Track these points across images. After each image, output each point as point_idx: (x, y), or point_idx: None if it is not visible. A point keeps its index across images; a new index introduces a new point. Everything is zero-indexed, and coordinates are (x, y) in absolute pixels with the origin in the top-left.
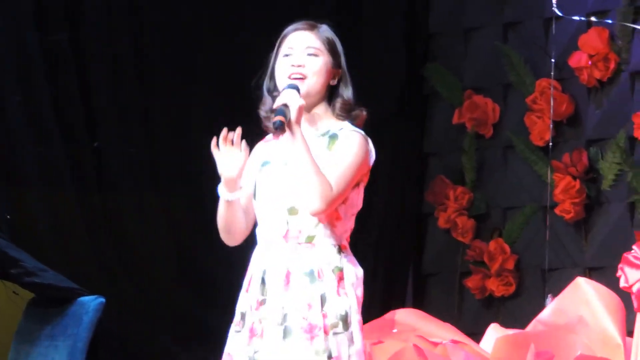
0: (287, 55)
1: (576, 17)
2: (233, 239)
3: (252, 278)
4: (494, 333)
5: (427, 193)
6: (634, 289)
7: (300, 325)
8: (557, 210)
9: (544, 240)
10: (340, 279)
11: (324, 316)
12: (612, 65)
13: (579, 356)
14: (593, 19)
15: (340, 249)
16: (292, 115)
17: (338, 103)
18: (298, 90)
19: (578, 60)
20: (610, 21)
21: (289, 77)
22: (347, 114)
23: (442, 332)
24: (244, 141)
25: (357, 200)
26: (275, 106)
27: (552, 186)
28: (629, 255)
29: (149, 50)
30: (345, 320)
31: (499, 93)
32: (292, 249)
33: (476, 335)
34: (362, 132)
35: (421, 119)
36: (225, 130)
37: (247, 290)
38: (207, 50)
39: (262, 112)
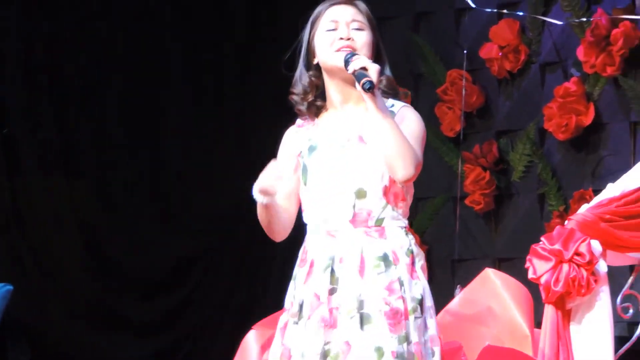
0: (331, 29)
1: (487, 9)
2: (278, 236)
3: (314, 267)
4: None
5: None
6: (542, 280)
7: (382, 311)
8: (467, 201)
9: (454, 231)
10: (412, 261)
11: (404, 300)
12: (523, 57)
13: (486, 347)
14: (504, 10)
15: (407, 231)
16: (374, 78)
17: (384, 80)
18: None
19: (489, 51)
20: (521, 13)
21: (337, 51)
22: (393, 91)
23: None
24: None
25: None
26: (351, 71)
27: (462, 177)
28: (537, 247)
29: (60, 34)
30: (421, 304)
31: (410, 83)
32: (362, 234)
33: None
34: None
35: None
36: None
37: (305, 282)
38: (120, 33)
39: (295, 96)
